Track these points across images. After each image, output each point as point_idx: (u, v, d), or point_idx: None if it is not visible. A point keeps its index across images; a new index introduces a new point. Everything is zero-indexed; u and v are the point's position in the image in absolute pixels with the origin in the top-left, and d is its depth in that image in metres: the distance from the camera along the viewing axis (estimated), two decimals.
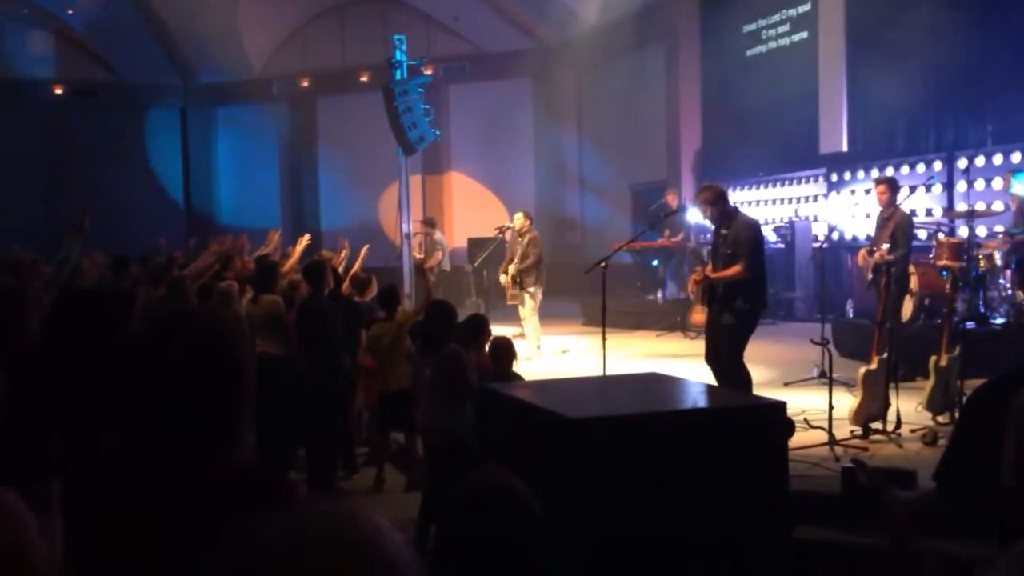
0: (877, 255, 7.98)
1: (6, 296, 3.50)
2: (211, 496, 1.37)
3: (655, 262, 13.98)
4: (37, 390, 3.11)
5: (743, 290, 6.57)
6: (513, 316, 11.68)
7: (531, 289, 11.08)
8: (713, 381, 6.62)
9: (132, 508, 1.38)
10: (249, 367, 1.54)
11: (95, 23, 21.23)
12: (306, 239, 9.34)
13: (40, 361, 3.27)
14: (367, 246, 9.78)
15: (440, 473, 5.33)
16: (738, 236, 6.58)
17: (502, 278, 11.58)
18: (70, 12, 20.93)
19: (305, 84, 22.02)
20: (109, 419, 1.49)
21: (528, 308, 11.13)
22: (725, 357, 6.63)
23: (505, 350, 5.60)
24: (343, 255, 9.36)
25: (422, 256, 13.64)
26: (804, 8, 14.13)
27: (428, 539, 5.27)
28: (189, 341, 1.48)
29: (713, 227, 7.01)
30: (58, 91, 21.67)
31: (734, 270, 6.52)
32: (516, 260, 11.23)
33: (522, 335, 11.37)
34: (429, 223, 14.61)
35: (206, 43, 21.64)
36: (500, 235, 12.66)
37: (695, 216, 13.26)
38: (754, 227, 6.79)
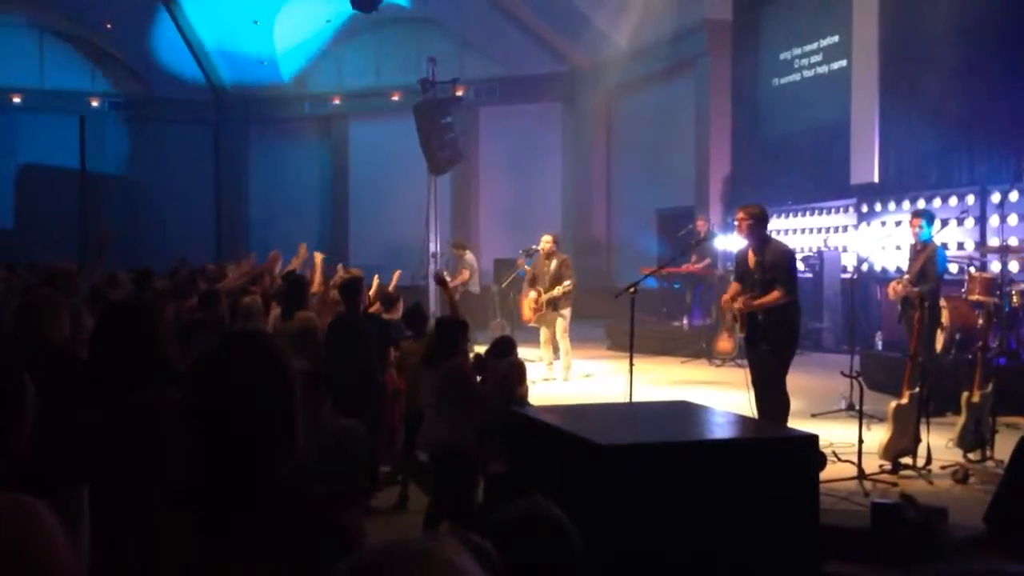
0: (901, 288, 8.10)
1: (34, 308, 3.56)
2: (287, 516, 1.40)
3: (676, 286, 13.96)
4: (68, 399, 3.14)
5: (784, 313, 6.70)
6: (536, 338, 11.57)
7: (564, 311, 11.03)
8: (740, 409, 6.59)
9: (219, 524, 1.40)
10: (296, 383, 1.57)
11: (131, 37, 21.56)
12: (320, 257, 9.31)
13: (73, 370, 3.30)
14: (398, 272, 9.79)
15: (443, 486, 5.34)
16: (776, 262, 6.73)
17: (525, 305, 11.43)
18: (109, 26, 21.26)
19: (337, 102, 22.23)
20: (184, 441, 1.52)
21: (560, 328, 11.04)
22: (770, 380, 6.73)
23: (512, 371, 5.49)
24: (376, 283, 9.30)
25: (444, 271, 13.70)
26: (838, 38, 14.12)
27: None
28: (256, 361, 1.51)
29: (747, 248, 7.01)
30: (94, 103, 21.99)
31: (775, 296, 6.64)
32: (550, 282, 11.05)
33: (540, 359, 11.32)
34: (460, 245, 14.84)
35: (240, 60, 21.92)
36: (520, 265, 12.62)
37: (723, 243, 13.23)
38: (789, 253, 6.99)
